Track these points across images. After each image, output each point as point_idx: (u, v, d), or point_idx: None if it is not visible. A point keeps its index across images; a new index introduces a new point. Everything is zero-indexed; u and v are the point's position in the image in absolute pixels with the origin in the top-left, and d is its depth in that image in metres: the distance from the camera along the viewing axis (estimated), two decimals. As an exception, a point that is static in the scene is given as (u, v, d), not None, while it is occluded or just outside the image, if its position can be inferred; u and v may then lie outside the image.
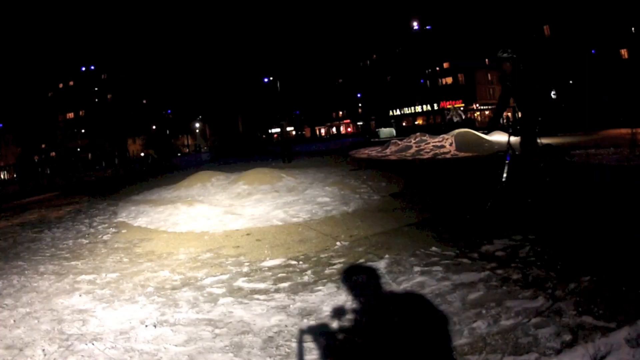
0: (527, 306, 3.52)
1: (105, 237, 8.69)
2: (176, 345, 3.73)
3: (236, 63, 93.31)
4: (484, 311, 3.54)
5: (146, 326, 4.19)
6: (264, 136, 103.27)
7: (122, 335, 4.08)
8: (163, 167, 33.33)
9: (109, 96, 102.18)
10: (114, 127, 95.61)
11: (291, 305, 4.23)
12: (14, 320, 4.92)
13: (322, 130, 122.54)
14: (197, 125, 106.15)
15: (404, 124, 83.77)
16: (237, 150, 47.36)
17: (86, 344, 3.98)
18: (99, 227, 9.90)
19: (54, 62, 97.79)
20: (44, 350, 4.04)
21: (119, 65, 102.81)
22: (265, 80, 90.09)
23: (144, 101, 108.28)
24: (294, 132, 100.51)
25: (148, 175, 26.64)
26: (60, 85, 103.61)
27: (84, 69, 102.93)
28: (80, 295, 5.38)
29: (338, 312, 3.93)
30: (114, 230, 9.32)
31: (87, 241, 8.57)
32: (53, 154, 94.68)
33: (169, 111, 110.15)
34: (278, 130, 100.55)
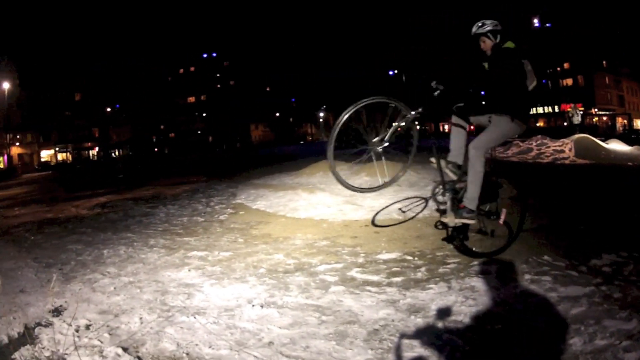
0: (622, 327, 3.49)
1: (221, 217, 8.89)
2: (280, 328, 3.76)
3: (362, 56, 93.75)
4: (582, 328, 3.52)
5: (253, 306, 4.21)
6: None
7: (226, 312, 4.12)
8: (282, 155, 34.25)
9: (231, 82, 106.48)
10: (235, 112, 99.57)
11: (401, 301, 4.16)
12: (115, 288, 5.10)
13: (446, 127, 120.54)
14: (322, 114, 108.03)
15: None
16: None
17: (187, 317, 4.05)
18: (216, 207, 10.17)
19: (174, 49, 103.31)
20: (141, 318, 4.14)
21: (242, 53, 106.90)
22: (391, 73, 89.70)
23: (267, 89, 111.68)
24: (417, 127, 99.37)
25: (270, 161, 27.41)
26: (181, 71, 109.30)
27: (205, 55, 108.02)
28: (189, 270, 5.52)
29: (445, 312, 3.89)
30: (231, 211, 9.52)
31: (203, 219, 8.82)
32: (172, 135, 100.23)
33: (293, 99, 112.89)
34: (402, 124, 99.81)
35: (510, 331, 3.53)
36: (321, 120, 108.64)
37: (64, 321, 4.17)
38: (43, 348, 3.60)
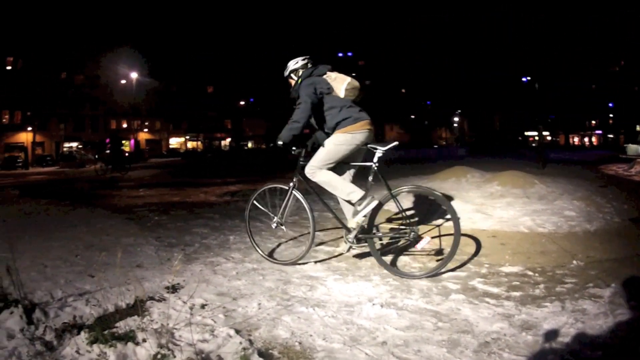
0: None
1: None
2: (396, 329, 3.74)
3: (497, 61, 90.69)
4: None
5: (373, 304, 4.21)
6: (520, 138, 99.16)
7: (345, 308, 4.15)
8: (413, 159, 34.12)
9: (366, 82, 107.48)
10: (370, 112, 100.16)
11: (516, 316, 4.04)
12: (237, 273, 5.30)
13: (576, 139, 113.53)
14: (456, 119, 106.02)
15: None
16: (492, 148, 46.88)
17: (306, 308, 4.12)
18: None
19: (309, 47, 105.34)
20: (259, 304, 4.25)
21: (378, 54, 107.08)
22: (524, 79, 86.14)
23: (403, 90, 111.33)
24: (549, 138, 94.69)
25: (405, 162, 27.45)
26: None
27: (341, 54, 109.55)
28: (314, 263, 5.66)
29: (555, 333, 3.74)
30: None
31: (333, 216, 8.79)
32: (307, 131, 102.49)
33: (428, 102, 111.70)
34: (533, 133, 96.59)
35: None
36: (455, 125, 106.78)
37: (179, 298, 4.37)
38: (152, 321, 3.74)
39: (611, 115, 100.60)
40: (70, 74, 66.07)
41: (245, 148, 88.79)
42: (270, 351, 3.36)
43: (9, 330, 3.52)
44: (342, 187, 5.53)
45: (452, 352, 3.37)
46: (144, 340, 3.27)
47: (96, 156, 29.00)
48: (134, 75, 61.50)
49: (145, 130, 76.79)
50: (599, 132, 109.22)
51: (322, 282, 4.86)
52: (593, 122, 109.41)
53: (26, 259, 5.68)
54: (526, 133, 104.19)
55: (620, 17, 79.40)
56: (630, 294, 4.57)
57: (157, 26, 75.90)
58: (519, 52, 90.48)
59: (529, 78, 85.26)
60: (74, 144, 64.32)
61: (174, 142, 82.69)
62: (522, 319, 3.97)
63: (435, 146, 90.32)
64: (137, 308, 3.93)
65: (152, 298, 4.37)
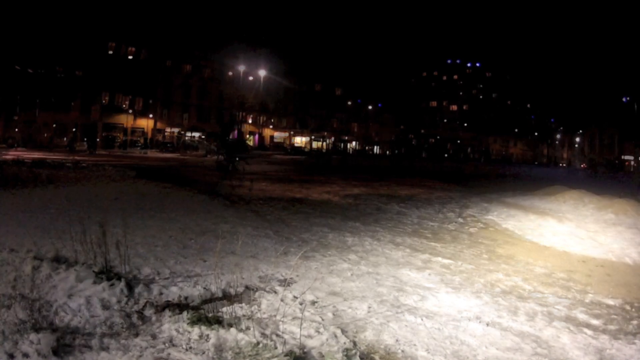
0: None
1: (471, 230, 8.97)
2: (497, 349, 3.73)
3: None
4: None
5: (479, 322, 4.20)
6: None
7: (452, 322, 4.14)
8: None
9: (493, 95, 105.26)
10: (492, 125, 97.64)
11: (607, 350, 3.96)
12: (352, 274, 5.39)
13: None
14: (577, 139, 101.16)
15: None
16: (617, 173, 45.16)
17: (415, 317, 4.13)
18: (468, 218, 10.24)
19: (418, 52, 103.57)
20: (370, 307, 4.31)
21: (505, 66, 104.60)
22: None
23: (528, 105, 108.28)
24: None
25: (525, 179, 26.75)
26: (435, 73, 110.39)
27: (450, 61, 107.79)
28: (429, 275, 5.65)
29: None
30: (481, 225, 9.52)
31: (453, 228, 8.97)
32: (432, 140, 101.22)
33: (552, 120, 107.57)
34: None
35: None
36: (577, 145, 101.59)
37: (291, 292, 4.48)
38: (259, 310, 3.88)
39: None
40: (196, 68, 68.91)
41: (370, 153, 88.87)
42: (372, 355, 3.41)
43: (104, 301, 3.77)
44: None
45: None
46: (248, 328, 3.41)
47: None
48: (262, 72, 63.29)
49: (271, 127, 78.71)
50: None
51: (434, 294, 4.87)
52: None
53: (138, 236, 6.06)
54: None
55: None
56: None
57: (292, 27, 77.79)
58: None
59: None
60: (197, 134, 66.69)
61: (299, 140, 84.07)
62: (612, 354, 3.91)
63: (549, 165, 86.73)
64: (246, 297, 4.12)
65: (262, 289, 4.51)
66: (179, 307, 3.82)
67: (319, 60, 79.56)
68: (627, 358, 3.85)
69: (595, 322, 4.61)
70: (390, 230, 8.11)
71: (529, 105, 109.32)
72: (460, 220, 9.96)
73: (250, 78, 66.19)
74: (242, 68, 61.89)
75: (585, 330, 4.33)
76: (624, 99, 75.64)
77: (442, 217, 10.04)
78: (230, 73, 66.63)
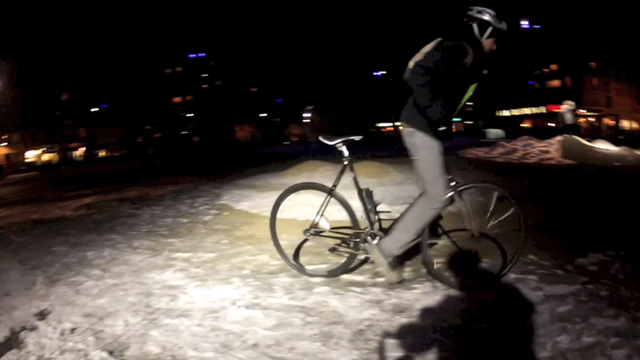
0: (609, 325, 3.57)
1: (206, 218, 8.90)
2: (265, 329, 3.79)
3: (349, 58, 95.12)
4: (569, 326, 3.60)
5: (237, 307, 4.24)
6: (372, 130, 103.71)
7: (211, 314, 4.14)
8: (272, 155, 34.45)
9: (217, 82, 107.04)
10: (221, 112, 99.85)
11: (385, 301, 4.23)
12: (99, 290, 5.10)
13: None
14: (308, 115, 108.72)
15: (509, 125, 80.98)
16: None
17: (172, 319, 4.07)
18: (201, 207, 10.18)
19: (160, 49, 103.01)
20: (126, 321, 4.14)
21: (228, 54, 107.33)
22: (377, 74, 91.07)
23: (254, 89, 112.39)
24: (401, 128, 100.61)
25: (255, 161, 27.52)
26: (169, 71, 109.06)
27: (192, 55, 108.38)
28: (173, 272, 5.53)
29: (430, 311, 3.97)
30: (215, 212, 9.52)
31: (187, 220, 8.83)
32: (157, 135, 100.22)
33: (279, 100, 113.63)
34: (386, 124, 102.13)
35: (494, 330, 3.59)
36: (307, 121, 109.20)
37: (49, 325, 4.17)
38: (29, 352, 3.62)
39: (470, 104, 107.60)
40: None
41: (99, 157, 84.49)
42: (146, 368, 3.29)
43: None
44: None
45: (327, 345, 3.48)
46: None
47: None
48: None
49: (5, 144, 70.73)
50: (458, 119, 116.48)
51: (183, 291, 4.80)
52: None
53: None
54: (378, 125, 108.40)
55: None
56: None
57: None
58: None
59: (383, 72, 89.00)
60: None
61: (31, 155, 76.77)
62: (392, 302, 4.16)
63: (288, 142, 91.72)
64: (13, 341, 3.81)
65: (24, 328, 4.15)
66: None
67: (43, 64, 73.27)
68: (412, 302, 4.14)
69: (360, 278, 4.88)
70: (126, 235, 7.80)
71: (255, 89, 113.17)
72: (193, 210, 9.91)
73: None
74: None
75: (353, 288, 4.57)
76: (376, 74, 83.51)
77: (175, 212, 9.86)
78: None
